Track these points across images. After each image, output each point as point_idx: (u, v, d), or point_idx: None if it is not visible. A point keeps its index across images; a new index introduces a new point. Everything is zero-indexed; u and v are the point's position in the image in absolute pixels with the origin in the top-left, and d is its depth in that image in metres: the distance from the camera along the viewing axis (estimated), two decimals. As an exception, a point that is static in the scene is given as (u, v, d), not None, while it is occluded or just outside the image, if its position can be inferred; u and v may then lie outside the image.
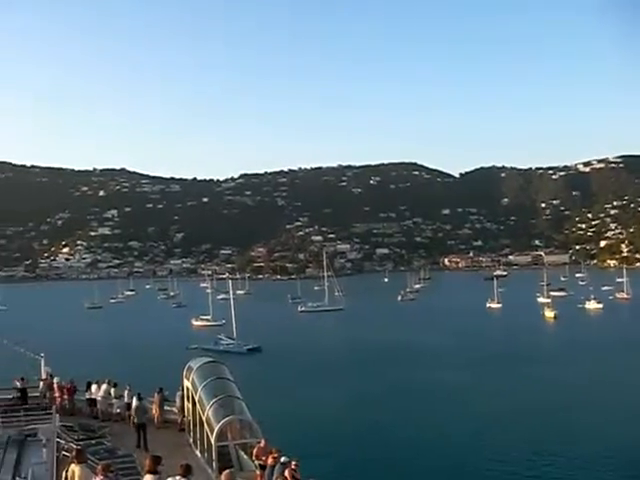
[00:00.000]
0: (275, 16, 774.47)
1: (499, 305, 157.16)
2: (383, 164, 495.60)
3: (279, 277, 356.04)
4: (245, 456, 21.28)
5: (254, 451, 20.53)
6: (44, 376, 34.22)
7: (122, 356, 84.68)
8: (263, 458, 19.91)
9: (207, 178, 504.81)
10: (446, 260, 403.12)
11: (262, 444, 20.46)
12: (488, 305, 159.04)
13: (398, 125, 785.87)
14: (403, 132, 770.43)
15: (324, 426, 49.86)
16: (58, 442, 22.86)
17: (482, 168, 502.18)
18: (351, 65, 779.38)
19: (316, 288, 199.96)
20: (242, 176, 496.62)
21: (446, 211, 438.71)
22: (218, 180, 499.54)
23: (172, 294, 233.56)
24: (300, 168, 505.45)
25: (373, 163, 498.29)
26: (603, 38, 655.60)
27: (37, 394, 33.14)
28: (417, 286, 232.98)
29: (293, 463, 18.73)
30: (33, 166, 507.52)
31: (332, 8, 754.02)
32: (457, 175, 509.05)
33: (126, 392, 29.62)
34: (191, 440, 24.57)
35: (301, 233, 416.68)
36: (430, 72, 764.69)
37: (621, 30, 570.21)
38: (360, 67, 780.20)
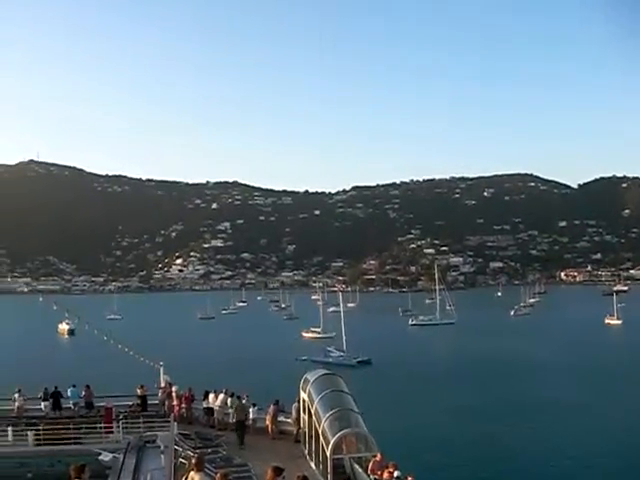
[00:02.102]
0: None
1: (619, 322, 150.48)
2: (497, 175, 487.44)
3: (390, 290, 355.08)
4: (360, 470, 21.11)
5: (369, 465, 20.34)
6: (163, 384, 35.08)
7: (234, 366, 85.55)
8: (378, 472, 19.69)
9: (319, 190, 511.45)
10: (562, 274, 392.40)
11: (378, 458, 20.25)
12: (606, 321, 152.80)
13: (512, 135, 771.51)
14: (517, 142, 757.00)
15: (438, 441, 48.89)
16: (176, 449, 23.33)
17: (602, 178, 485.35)
18: (462, 79, 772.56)
19: (428, 301, 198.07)
20: (354, 188, 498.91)
21: (563, 223, 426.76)
22: (330, 192, 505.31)
23: (283, 306, 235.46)
24: (412, 180, 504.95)
25: (487, 174, 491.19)
26: None
27: (156, 402, 34.09)
28: (531, 300, 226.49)
29: (409, 478, 18.43)
30: (148, 179, 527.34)
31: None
32: (575, 186, 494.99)
33: (244, 402, 29.93)
34: (306, 452, 24.58)
35: (413, 246, 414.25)
36: (544, 79, 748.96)
37: None
38: (468, 83, 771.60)
